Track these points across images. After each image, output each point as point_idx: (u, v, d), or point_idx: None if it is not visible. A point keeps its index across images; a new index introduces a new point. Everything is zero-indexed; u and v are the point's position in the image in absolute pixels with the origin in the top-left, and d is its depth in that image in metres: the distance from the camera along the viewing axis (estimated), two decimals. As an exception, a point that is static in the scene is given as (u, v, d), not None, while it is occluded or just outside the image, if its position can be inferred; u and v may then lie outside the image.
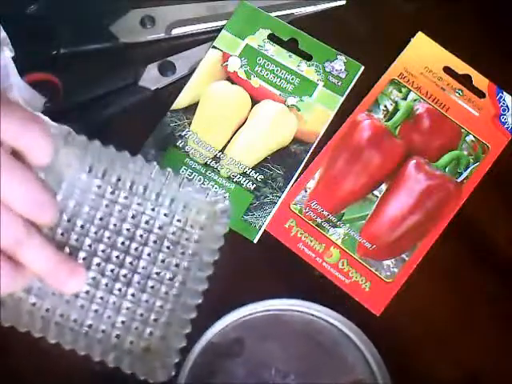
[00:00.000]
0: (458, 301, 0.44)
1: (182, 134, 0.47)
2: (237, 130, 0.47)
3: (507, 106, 0.48)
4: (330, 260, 0.44)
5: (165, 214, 0.42)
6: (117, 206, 0.42)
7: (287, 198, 0.46)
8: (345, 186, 0.46)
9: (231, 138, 0.47)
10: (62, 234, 0.41)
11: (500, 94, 0.48)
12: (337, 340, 0.42)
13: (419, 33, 0.50)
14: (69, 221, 0.41)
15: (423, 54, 0.49)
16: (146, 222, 0.42)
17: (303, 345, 0.42)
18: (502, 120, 0.48)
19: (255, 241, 0.45)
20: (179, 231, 0.42)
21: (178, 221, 0.42)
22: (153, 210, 0.42)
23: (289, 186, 0.46)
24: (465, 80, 0.49)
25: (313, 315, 0.42)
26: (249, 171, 0.46)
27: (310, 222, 0.45)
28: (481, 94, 0.49)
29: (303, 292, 0.43)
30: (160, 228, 0.42)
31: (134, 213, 0.42)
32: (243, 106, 0.48)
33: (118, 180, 0.42)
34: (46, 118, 0.41)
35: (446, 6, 0.51)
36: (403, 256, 0.44)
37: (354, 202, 0.46)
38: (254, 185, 0.46)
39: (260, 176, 0.46)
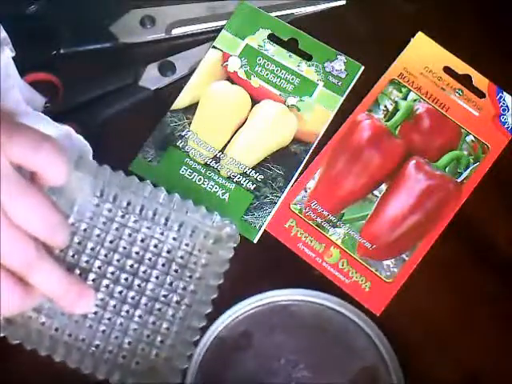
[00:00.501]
0: (458, 301, 0.44)
1: (182, 133, 0.47)
2: (237, 130, 0.47)
3: (507, 106, 0.48)
4: (330, 260, 0.44)
5: (173, 238, 0.42)
6: (126, 229, 0.43)
7: (287, 198, 0.46)
8: (345, 186, 0.46)
9: (231, 138, 0.47)
10: (72, 256, 0.42)
11: (500, 94, 0.48)
12: (345, 328, 0.42)
13: (419, 33, 0.50)
14: (79, 243, 0.42)
15: (423, 54, 0.49)
16: (155, 246, 0.42)
17: (312, 334, 0.42)
18: (502, 120, 0.48)
19: (255, 241, 0.45)
20: (187, 255, 0.42)
21: (186, 245, 0.42)
22: (162, 234, 0.42)
23: (289, 186, 0.46)
24: (465, 80, 0.49)
25: (320, 304, 0.42)
26: (249, 171, 0.46)
27: (310, 221, 0.45)
28: (481, 94, 0.49)
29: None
30: (168, 252, 0.42)
31: (143, 236, 0.42)
32: (243, 106, 0.48)
33: (128, 204, 0.43)
34: (47, 118, 0.41)
35: (445, 6, 0.51)
36: (403, 256, 0.44)
37: (353, 202, 0.46)
38: (254, 185, 0.46)
39: (260, 176, 0.46)
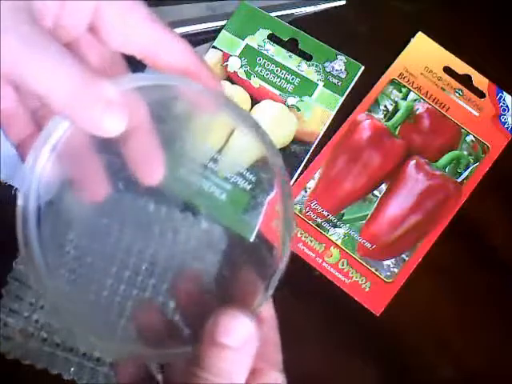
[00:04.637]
0: (458, 301, 0.44)
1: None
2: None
3: (507, 106, 0.48)
4: (330, 260, 0.44)
5: (166, 246, 0.43)
6: (123, 242, 0.43)
7: (287, 198, 0.46)
8: (345, 186, 0.46)
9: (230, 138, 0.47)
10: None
11: (500, 94, 0.48)
12: None
13: (419, 33, 0.50)
14: (79, 258, 0.42)
15: (423, 54, 0.49)
16: (151, 256, 0.43)
17: None
18: (502, 120, 0.48)
19: (255, 241, 0.45)
20: (181, 262, 0.42)
21: (181, 252, 0.43)
22: (156, 243, 0.43)
23: (289, 186, 0.46)
24: (465, 80, 0.49)
25: None
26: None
27: (310, 222, 0.45)
28: (481, 94, 0.49)
29: (303, 292, 0.43)
30: (165, 260, 0.42)
31: (140, 247, 0.43)
32: (243, 106, 0.48)
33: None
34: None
35: (446, 6, 0.51)
36: (403, 256, 0.44)
37: (353, 201, 0.46)
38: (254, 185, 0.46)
39: (260, 176, 0.46)
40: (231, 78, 0.48)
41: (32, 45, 0.24)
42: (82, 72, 0.24)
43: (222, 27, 0.49)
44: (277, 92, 0.48)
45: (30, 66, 0.24)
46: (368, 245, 0.45)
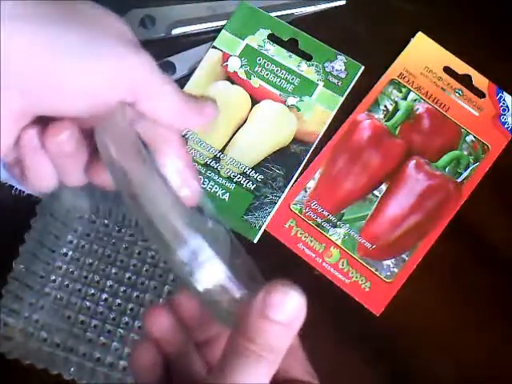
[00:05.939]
0: (458, 301, 0.44)
1: (183, 134, 0.47)
2: (237, 130, 0.47)
3: (507, 106, 0.48)
4: (330, 260, 0.44)
5: None
6: (123, 243, 0.43)
7: (287, 198, 0.46)
8: (345, 186, 0.46)
9: (231, 138, 0.47)
10: (72, 272, 0.43)
11: (500, 94, 0.48)
12: None
13: (419, 33, 0.50)
14: (78, 260, 0.43)
15: (423, 54, 0.49)
16: (152, 257, 0.43)
17: None
18: (502, 120, 0.48)
19: (255, 241, 0.45)
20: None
21: None
22: None
23: (289, 186, 0.46)
24: (465, 80, 0.49)
25: None
26: (249, 171, 0.46)
27: (310, 222, 0.45)
28: (481, 94, 0.49)
29: (303, 292, 0.43)
30: (165, 262, 0.42)
31: (140, 249, 0.43)
32: (243, 106, 0.48)
33: (123, 218, 0.43)
34: None
35: (445, 6, 0.51)
36: (403, 256, 0.44)
37: (354, 201, 0.46)
38: (254, 185, 0.46)
39: (260, 176, 0.46)
40: (231, 78, 0.48)
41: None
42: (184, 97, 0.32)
43: (222, 27, 0.50)
44: (277, 92, 0.48)
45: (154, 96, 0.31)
46: (368, 245, 0.45)
